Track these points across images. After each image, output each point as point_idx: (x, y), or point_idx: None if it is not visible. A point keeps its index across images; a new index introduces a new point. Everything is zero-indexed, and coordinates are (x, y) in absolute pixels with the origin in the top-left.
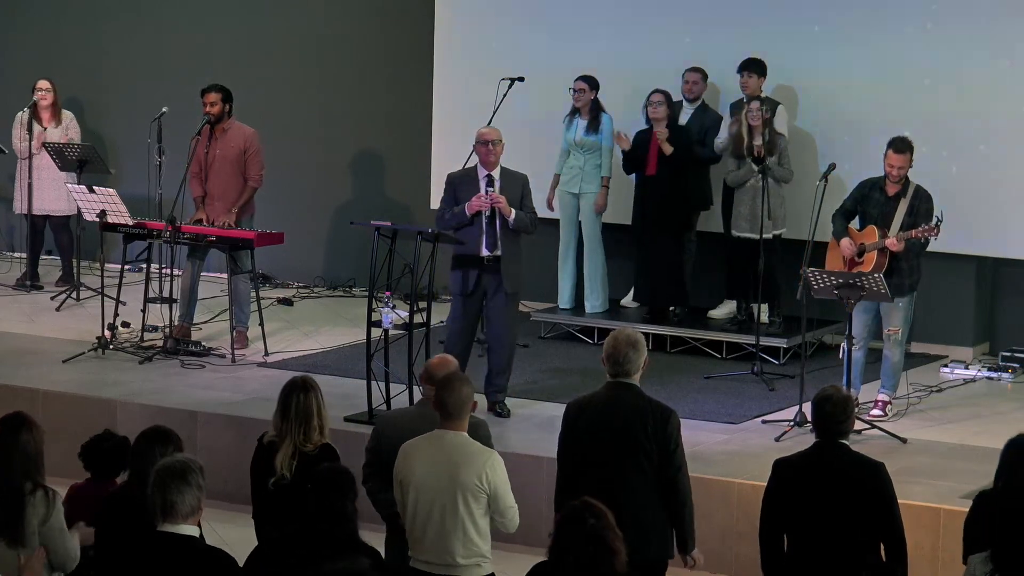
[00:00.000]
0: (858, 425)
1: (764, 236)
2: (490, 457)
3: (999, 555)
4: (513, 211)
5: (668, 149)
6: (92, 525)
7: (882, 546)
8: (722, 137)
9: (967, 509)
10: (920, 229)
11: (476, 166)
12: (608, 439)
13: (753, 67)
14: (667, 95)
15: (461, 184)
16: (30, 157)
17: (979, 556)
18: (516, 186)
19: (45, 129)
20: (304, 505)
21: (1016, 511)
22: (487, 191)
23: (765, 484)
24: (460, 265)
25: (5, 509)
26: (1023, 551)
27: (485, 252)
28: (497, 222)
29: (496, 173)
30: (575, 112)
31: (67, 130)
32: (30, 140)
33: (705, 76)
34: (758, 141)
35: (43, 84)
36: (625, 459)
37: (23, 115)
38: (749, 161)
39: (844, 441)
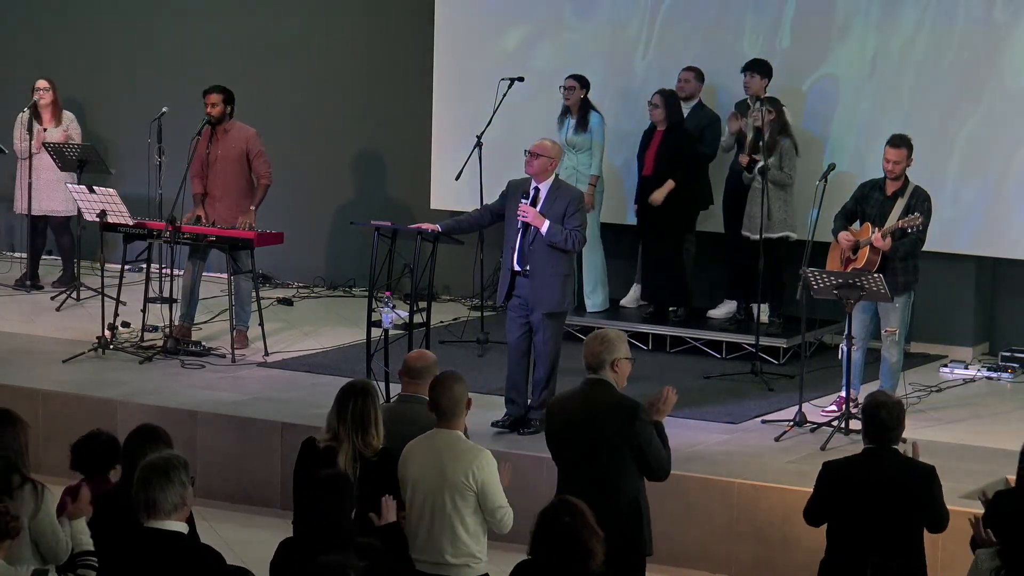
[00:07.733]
0: (856, 425)
1: (770, 236)
2: (479, 455)
3: (1008, 553)
4: (547, 222)
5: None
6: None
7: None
8: (726, 136)
9: (967, 509)
10: (904, 220)
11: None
12: (577, 435)
13: (757, 67)
14: (666, 95)
15: (511, 192)
16: (30, 157)
17: (986, 551)
18: (562, 202)
19: (45, 129)
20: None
21: None
22: (521, 202)
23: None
24: (504, 275)
25: None
26: None
27: (516, 267)
28: (530, 237)
29: (545, 186)
30: (567, 111)
31: (67, 130)
32: (30, 140)
33: (700, 75)
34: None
35: (42, 84)
36: (594, 455)
37: (23, 115)
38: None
39: (895, 447)
